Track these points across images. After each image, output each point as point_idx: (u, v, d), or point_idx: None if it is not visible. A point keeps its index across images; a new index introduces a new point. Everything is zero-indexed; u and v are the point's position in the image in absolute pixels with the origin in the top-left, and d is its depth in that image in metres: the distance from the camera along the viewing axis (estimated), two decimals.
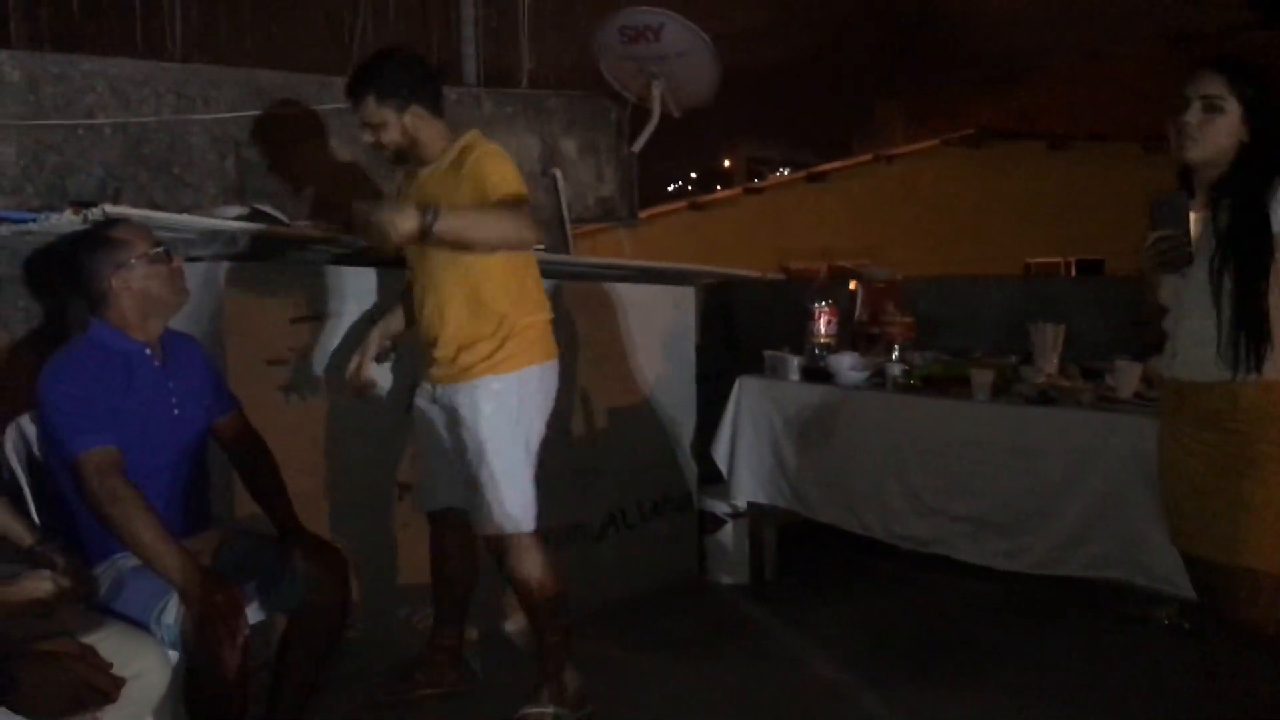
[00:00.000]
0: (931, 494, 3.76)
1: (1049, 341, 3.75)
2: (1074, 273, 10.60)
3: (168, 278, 2.69)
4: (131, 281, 2.62)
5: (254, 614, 2.58)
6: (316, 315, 3.37)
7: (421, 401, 3.23)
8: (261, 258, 3.30)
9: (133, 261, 2.63)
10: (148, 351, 2.67)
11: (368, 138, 3.05)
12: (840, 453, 4.02)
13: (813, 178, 11.88)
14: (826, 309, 4.28)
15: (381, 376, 3.38)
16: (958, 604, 4.14)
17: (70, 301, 3.40)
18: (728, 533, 4.47)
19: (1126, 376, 3.50)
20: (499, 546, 3.08)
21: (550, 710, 3.13)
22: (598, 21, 5.14)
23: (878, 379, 4.02)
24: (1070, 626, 3.88)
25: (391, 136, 3.01)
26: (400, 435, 3.55)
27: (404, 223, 2.72)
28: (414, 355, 3.28)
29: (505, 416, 3.02)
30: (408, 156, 3.07)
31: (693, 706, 3.34)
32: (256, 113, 3.98)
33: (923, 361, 4.01)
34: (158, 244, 2.70)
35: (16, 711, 1.80)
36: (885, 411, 3.92)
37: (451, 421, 3.09)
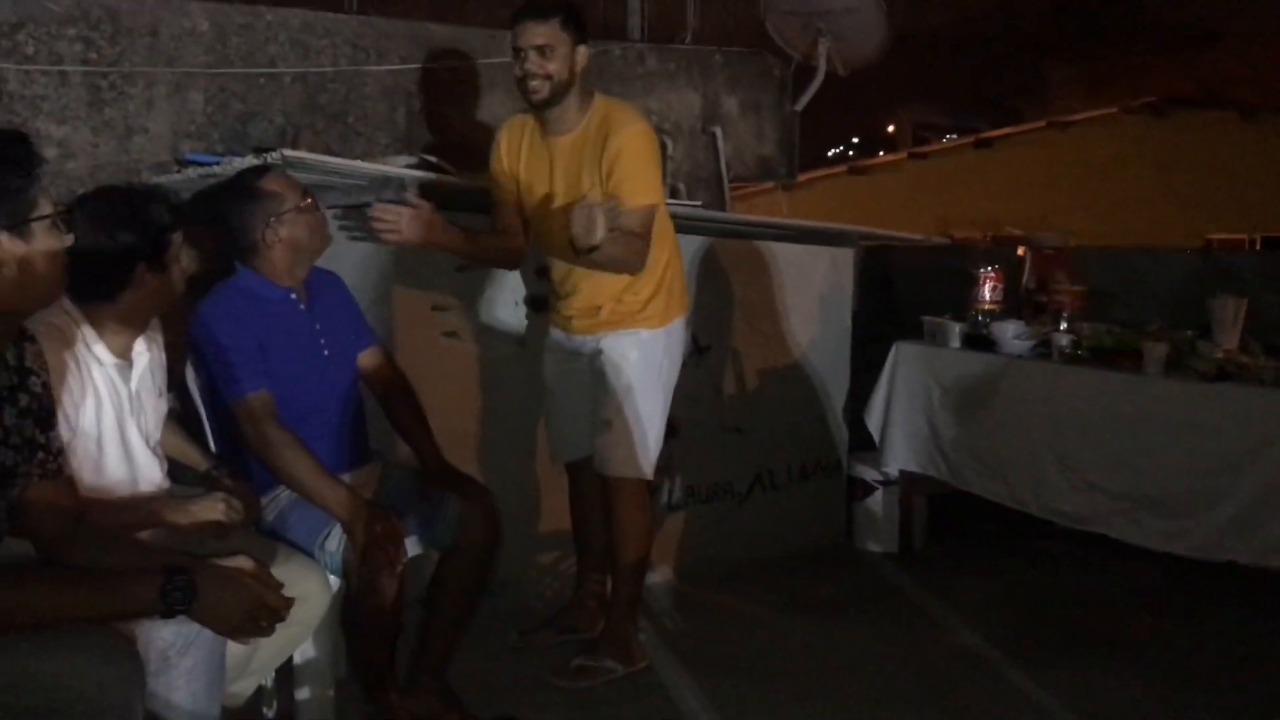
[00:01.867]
0: (1091, 469, 3.62)
1: (1229, 315, 3.56)
2: (1260, 249, 10.01)
3: (315, 227, 2.73)
4: (282, 232, 2.67)
5: (412, 547, 2.67)
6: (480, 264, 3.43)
7: (554, 354, 3.28)
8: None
9: (284, 213, 2.67)
10: (293, 296, 2.73)
11: (531, 64, 2.91)
12: (999, 424, 3.91)
13: (980, 144, 11.51)
14: (992, 275, 4.14)
15: (544, 325, 3.45)
16: (1111, 585, 4.00)
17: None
18: (877, 500, 4.41)
19: None
20: (619, 488, 3.13)
21: (606, 664, 3.16)
22: None
23: (1043, 349, 3.88)
24: (1229, 617, 3.69)
25: (558, 67, 2.91)
26: None
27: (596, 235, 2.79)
28: None
29: (650, 365, 3.09)
30: (554, 101, 2.97)
31: (837, 669, 3.31)
32: (427, 65, 4.07)
33: (1092, 332, 3.85)
34: (306, 194, 2.74)
35: (196, 621, 1.91)
36: (1049, 383, 3.79)
37: (593, 367, 3.14)
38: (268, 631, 2.02)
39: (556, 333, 3.26)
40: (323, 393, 2.76)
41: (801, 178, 6.11)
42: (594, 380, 3.15)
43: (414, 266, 3.30)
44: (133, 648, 1.85)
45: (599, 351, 3.12)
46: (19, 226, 1.77)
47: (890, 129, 17.94)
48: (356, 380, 2.89)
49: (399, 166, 3.44)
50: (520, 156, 3.12)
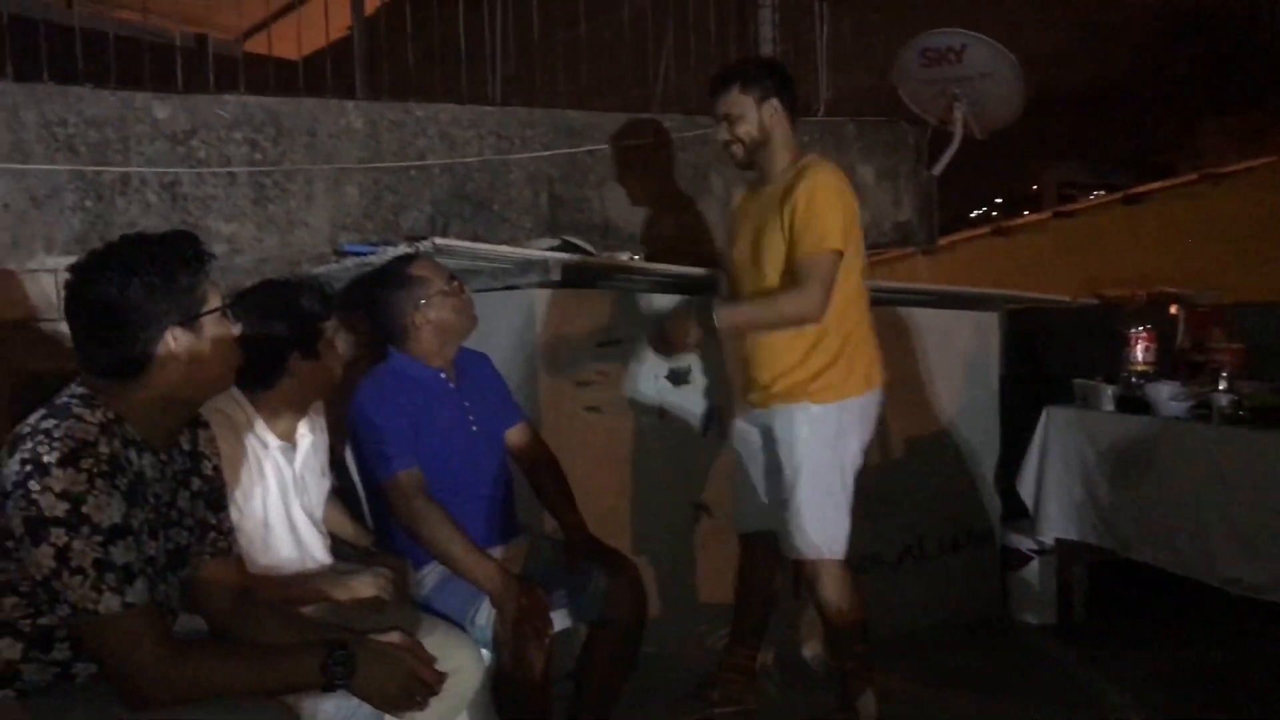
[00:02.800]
0: (1263, 536, 3.44)
1: None
2: None
3: (461, 308, 2.84)
4: (430, 315, 2.79)
5: (561, 620, 2.72)
6: (620, 340, 3.50)
7: (741, 423, 3.29)
8: (572, 285, 3.47)
9: (431, 296, 2.80)
10: (443, 376, 2.85)
11: (724, 134, 3.10)
12: (1160, 488, 3.76)
13: (1129, 200, 11.14)
14: (1145, 335, 3.99)
15: (684, 398, 3.48)
16: None
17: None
18: (1033, 569, 4.27)
19: None
20: (807, 571, 3.10)
21: None
22: (897, 47, 5.10)
23: (1202, 410, 3.73)
24: None
25: (748, 130, 3.06)
26: (700, 456, 3.63)
27: (689, 333, 2.99)
28: (715, 378, 3.36)
29: (821, 442, 3.03)
30: (756, 159, 3.11)
31: None
32: (567, 151, 4.22)
33: (1255, 391, 3.68)
34: (451, 277, 2.86)
35: (355, 695, 1.98)
36: (1211, 445, 3.63)
37: (768, 443, 3.14)
38: (422, 705, 2.07)
39: (741, 405, 3.29)
40: (472, 469, 2.84)
41: (942, 241, 6.05)
42: (769, 459, 3.15)
43: (558, 344, 3.38)
44: (297, 718, 1.93)
45: (770, 425, 3.11)
46: (190, 320, 1.90)
47: (1034, 188, 17.60)
48: (504, 456, 2.97)
49: (543, 249, 3.56)
50: (737, 216, 3.27)
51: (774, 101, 3.08)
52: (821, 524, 3.04)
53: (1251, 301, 5.08)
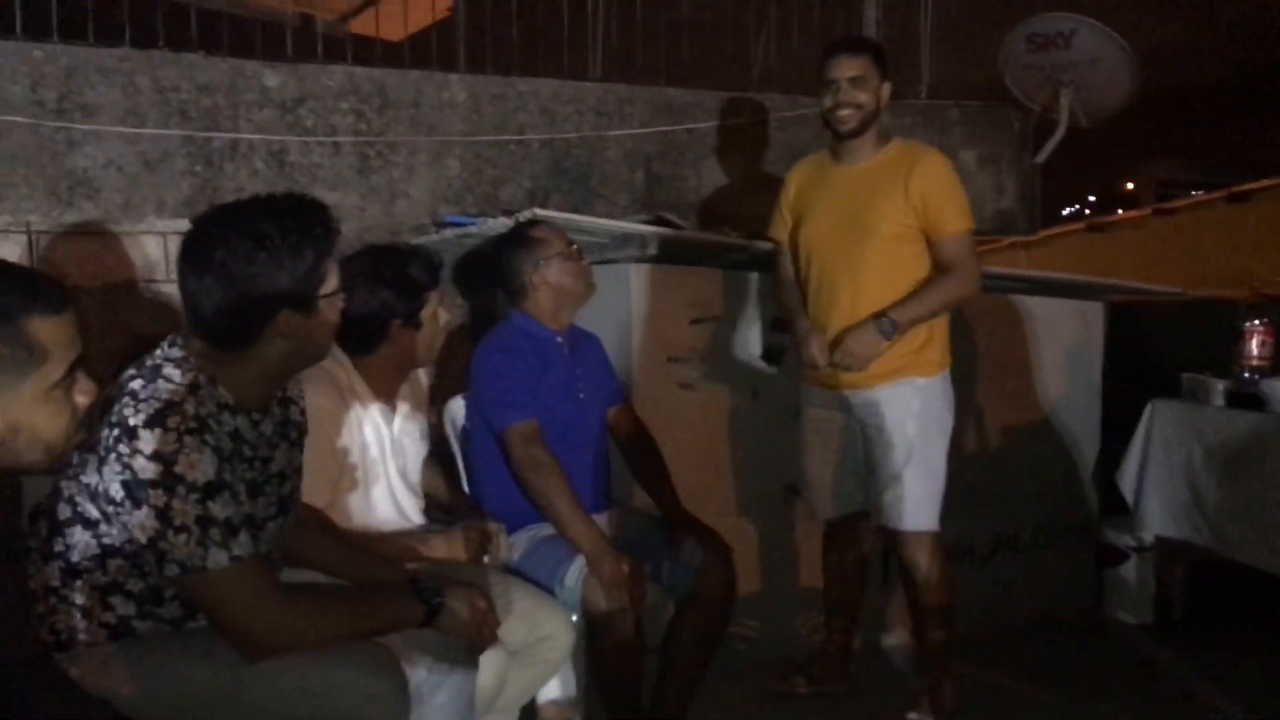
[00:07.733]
0: None
1: None
2: None
3: (579, 273, 2.92)
4: (549, 276, 2.86)
5: (651, 594, 2.71)
6: (714, 317, 3.48)
7: (819, 409, 3.23)
8: (667, 261, 3.46)
9: (551, 258, 2.86)
10: (559, 340, 2.91)
11: (844, 94, 3.02)
12: (1272, 488, 3.63)
13: (1233, 198, 10.83)
14: (1261, 328, 3.85)
15: (778, 378, 3.46)
16: None
17: (495, 296, 3.74)
18: (1130, 567, 4.15)
19: None
20: (915, 542, 3.10)
21: (929, 718, 3.14)
22: (1002, 30, 5.00)
23: None
24: None
25: (865, 99, 3.03)
26: (792, 438, 3.58)
27: (872, 348, 2.97)
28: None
29: (933, 413, 3.08)
30: (859, 131, 3.06)
31: None
32: (665, 129, 4.20)
33: None
34: (571, 243, 2.92)
35: (441, 627, 2.02)
36: None
37: (870, 423, 3.11)
38: (491, 639, 2.12)
39: (814, 390, 3.22)
40: (577, 434, 2.89)
41: (1037, 235, 5.91)
42: (873, 435, 3.12)
43: (651, 319, 3.37)
44: (399, 665, 1.94)
45: (875, 404, 3.08)
46: (306, 303, 1.86)
47: (1130, 186, 17.18)
48: (605, 428, 3.01)
49: (638, 224, 3.55)
50: (805, 193, 3.21)
51: (888, 85, 3.10)
52: (929, 497, 3.07)
53: None
